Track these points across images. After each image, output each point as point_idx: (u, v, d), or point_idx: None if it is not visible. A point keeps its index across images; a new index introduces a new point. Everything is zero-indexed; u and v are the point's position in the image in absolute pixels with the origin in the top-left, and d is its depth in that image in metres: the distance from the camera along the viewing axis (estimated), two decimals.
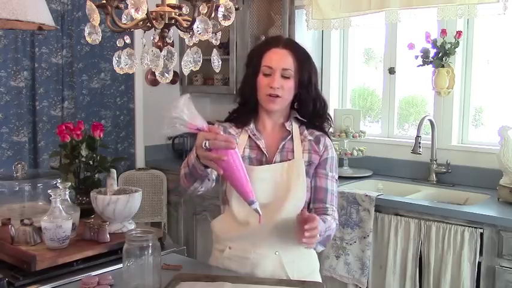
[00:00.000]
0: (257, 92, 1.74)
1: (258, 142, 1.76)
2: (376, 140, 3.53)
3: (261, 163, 1.74)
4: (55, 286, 1.62)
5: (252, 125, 1.79)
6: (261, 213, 1.49)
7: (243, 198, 1.50)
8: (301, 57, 1.73)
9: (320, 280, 1.82)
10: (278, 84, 1.69)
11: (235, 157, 1.43)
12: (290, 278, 1.70)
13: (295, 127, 1.79)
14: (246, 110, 1.81)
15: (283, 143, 1.76)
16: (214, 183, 1.71)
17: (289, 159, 1.73)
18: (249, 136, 1.78)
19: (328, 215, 1.72)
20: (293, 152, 1.75)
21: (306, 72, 1.73)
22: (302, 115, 1.80)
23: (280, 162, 1.73)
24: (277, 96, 1.71)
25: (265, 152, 1.75)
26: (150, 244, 1.48)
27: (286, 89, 1.71)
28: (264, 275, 1.69)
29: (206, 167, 1.51)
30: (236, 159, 1.44)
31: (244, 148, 1.76)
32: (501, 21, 2.93)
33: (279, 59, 1.71)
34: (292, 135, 1.77)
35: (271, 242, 1.69)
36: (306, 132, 1.79)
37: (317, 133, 1.79)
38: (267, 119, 1.80)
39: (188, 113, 1.37)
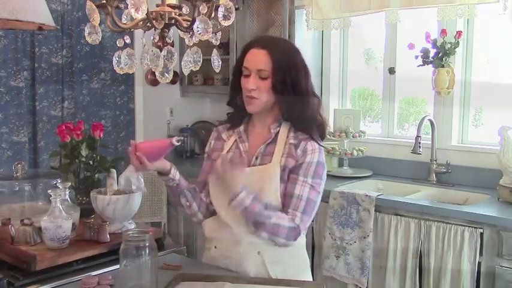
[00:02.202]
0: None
1: (240, 145, 1.76)
2: (376, 140, 3.53)
3: None
4: (55, 286, 1.62)
5: (242, 127, 1.79)
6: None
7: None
8: (278, 57, 1.65)
9: (311, 280, 1.81)
10: (253, 86, 1.66)
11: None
12: (273, 278, 1.69)
13: (283, 130, 1.73)
14: (238, 111, 1.79)
15: (263, 146, 1.73)
16: (201, 198, 1.82)
17: (265, 164, 1.70)
18: (236, 139, 1.78)
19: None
20: (272, 156, 1.70)
21: (282, 71, 1.65)
22: (286, 117, 1.73)
23: (258, 166, 1.71)
24: (254, 97, 1.67)
25: (244, 156, 1.74)
26: (147, 244, 1.48)
27: (263, 90, 1.66)
28: (247, 274, 1.70)
29: (160, 174, 1.71)
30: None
31: (228, 152, 1.77)
32: (501, 21, 2.93)
33: (255, 60, 1.66)
34: (274, 139, 1.72)
35: (253, 242, 1.68)
36: (291, 135, 1.72)
37: (302, 136, 1.71)
38: (256, 120, 1.78)
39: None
